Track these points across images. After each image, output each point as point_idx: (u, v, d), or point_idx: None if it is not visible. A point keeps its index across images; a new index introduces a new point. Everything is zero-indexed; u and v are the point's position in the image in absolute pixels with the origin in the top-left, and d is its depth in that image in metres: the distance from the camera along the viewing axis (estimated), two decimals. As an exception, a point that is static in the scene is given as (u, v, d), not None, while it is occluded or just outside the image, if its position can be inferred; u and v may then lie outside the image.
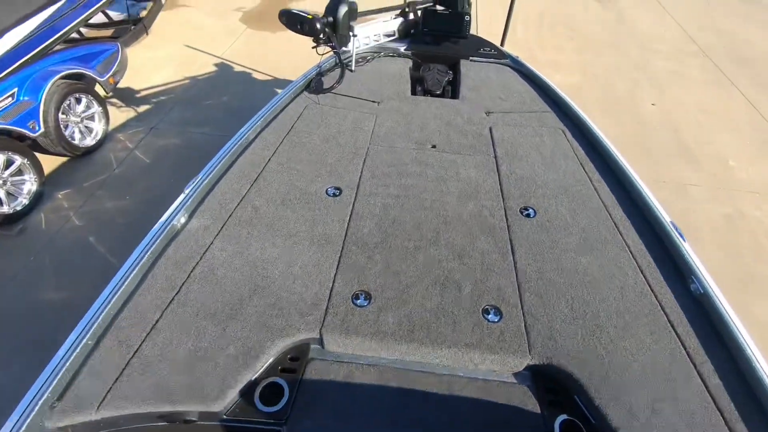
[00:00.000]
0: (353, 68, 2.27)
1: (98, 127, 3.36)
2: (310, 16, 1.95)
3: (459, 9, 2.56)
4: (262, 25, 5.27)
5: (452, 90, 2.28)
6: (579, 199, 1.61)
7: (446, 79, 2.27)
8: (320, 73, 2.21)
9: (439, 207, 1.55)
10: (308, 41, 2.08)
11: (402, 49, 2.46)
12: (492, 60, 2.43)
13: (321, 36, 2.03)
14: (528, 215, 1.54)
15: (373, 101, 2.09)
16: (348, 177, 1.66)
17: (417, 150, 1.81)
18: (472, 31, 2.54)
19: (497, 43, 2.71)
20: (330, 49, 2.11)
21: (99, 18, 4.27)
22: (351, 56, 2.24)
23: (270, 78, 4.31)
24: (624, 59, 4.87)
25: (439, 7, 2.57)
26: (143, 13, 4.69)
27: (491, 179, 1.69)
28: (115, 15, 4.68)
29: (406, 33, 2.49)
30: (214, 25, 5.21)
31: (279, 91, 4.06)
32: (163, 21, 5.18)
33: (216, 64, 4.50)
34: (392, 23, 2.44)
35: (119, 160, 3.30)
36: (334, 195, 1.58)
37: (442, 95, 2.25)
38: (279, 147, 1.79)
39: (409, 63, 2.40)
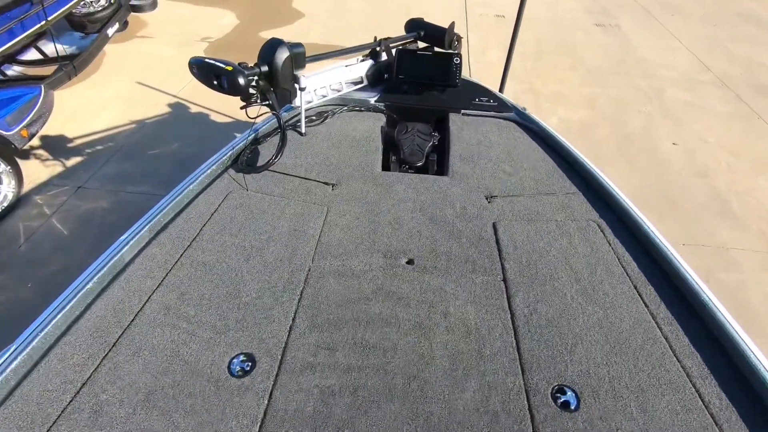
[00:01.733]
0: (303, 130, 1.68)
1: (6, 190, 2.72)
2: (229, 68, 1.36)
3: (446, 47, 1.99)
4: (229, 57, 4.71)
5: (438, 159, 1.68)
6: (646, 365, 0.99)
7: (430, 144, 1.67)
8: (255, 141, 1.61)
9: (417, 395, 0.92)
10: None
11: (372, 100, 1.87)
12: (491, 114, 1.84)
13: (251, 95, 1.43)
14: (566, 405, 0.91)
15: (327, 183, 1.48)
16: (269, 332, 1.03)
17: (385, 270, 1.19)
18: (464, 71, 1.97)
19: (495, 88, 2.14)
20: (268, 109, 1.52)
21: (33, 54, 3.69)
22: (299, 116, 1.65)
23: (230, 120, 3.72)
24: (633, 90, 4.34)
25: (420, 44, 1.99)
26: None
27: (500, 325, 1.07)
28: (62, 48, 4.11)
29: (377, 79, 1.91)
30: (174, 58, 4.65)
31: (236, 137, 3.49)
32: (115, 53, 4.62)
33: (170, 104, 3.91)
34: (359, 68, 1.85)
35: (29, 231, 2.65)
36: (241, 374, 0.95)
37: (424, 168, 1.64)
38: (168, 274, 1.16)
39: (382, 119, 1.81)
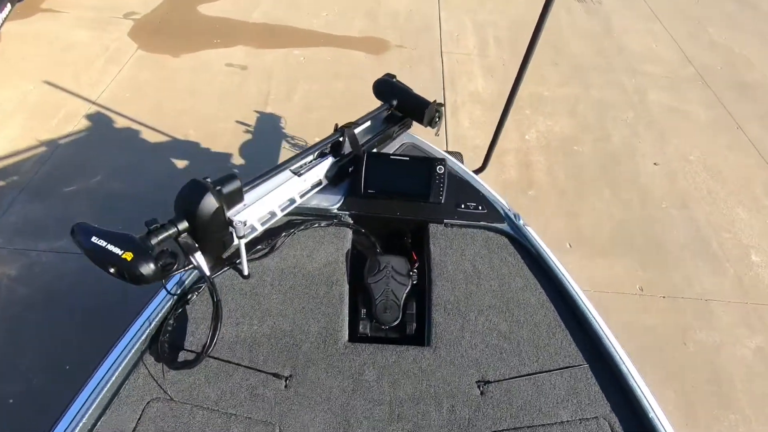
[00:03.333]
0: (246, 271, 1.30)
1: None
2: (128, 256, 0.94)
3: (424, 124, 1.60)
4: (160, 42, 3.95)
5: (418, 310, 1.35)
6: None
7: (407, 289, 1.34)
8: (179, 304, 1.22)
9: None
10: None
11: (334, 207, 1.48)
12: (479, 225, 1.52)
13: (168, 269, 1.04)
14: None
15: (278, 376, 1.15)
16: None
17: None
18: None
19: (475, 149, 1.79)
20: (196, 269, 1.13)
21: None
22: (241, 260, 1.27)
23: (167, 139, 3.15)
24: (616, 92, 4.04)
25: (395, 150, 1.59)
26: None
27: None
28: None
29: (340, 176, 1.52)
30: (90, 44, 3.84)
31: (177, 164, 2.95)
32: (13, 39, 3.75)
33: (88, 115, 3.25)
34: (316, 171, 1.44)
35: None
36: None
37: (401, 326, 1.32)
38: None
39: (347, 235, 1.45)
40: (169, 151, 3.05)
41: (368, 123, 1.61)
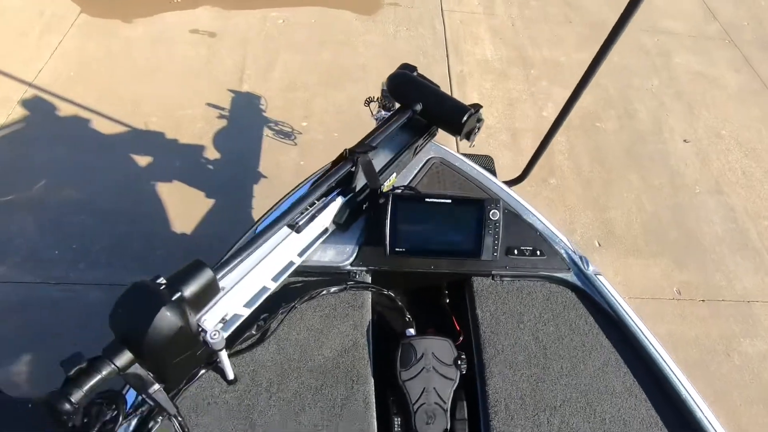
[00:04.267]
0: (231, 375, 0.92)
1: None
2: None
3: (459, 136, 1.20)
4: (107, 3, 3.29)
5: (470, 410, 1.00)
6: None
7: (454, 385, 0.98)
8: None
9: None
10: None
11: (346, 263, 1.09)
12: (537, 275, 1.15)
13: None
14: None
15: None
16: None
17: None
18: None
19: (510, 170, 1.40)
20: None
21: None
22: (222, 363, 0.89)
23: (124, 129, 2.63)
24: (638, 56, 3.60)
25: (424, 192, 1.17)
26: None
27: None
28: None
29: (353, 215, 1.11)
30: (21, 8, 3.17)
31: (139, 163, 2.45)
32: None
33: (26, 102, 2.68)
34: (320, 220, 1.03)
35: None
36: None
37: None
38: None
39: (366, 305, 1.07)
40: (128, 146, 2.54)
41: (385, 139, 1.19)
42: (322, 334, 1.02)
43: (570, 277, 1.16)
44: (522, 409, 0.97)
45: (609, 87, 3.33)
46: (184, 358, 0.76)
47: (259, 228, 1.07)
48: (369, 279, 1.12)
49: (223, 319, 0.85)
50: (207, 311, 0.81)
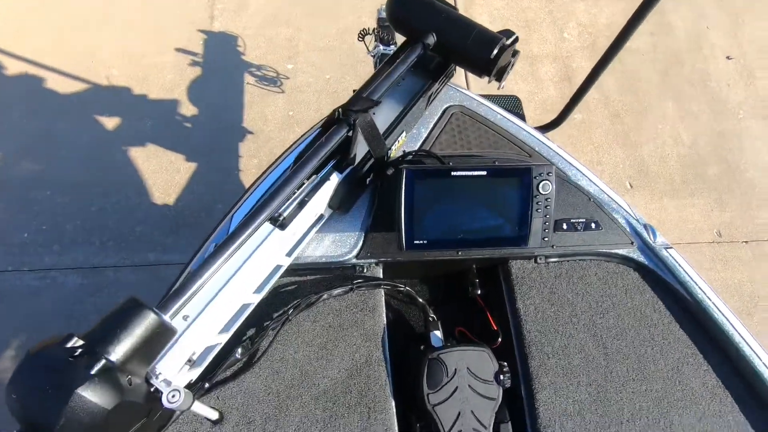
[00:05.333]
0: (215, 414, 0.73)
1: None
2: None
3: (490, 76, 0.91)
4: None
5: (516, 423, 0.81)
6: None
7: (495, 404, 0.78)
8: None
9: None
10: None
11: (350, 255, 0.85)
12: (592, 252, 0.91)
13: None
14: None
15: None
16: None
17: None
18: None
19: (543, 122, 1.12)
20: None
21: None
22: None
23: (83, 87, 2.27)
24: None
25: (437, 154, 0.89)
26: None
27: None
28: None
29: (353, 194, 0.85)
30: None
31: (106, 126, 2.13)
32: None
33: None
34: (313, 204, 0.77)
35: None
36: None
37: None
38: None
39: (379, 307, 0.85)
40: (90, 107, 2.21)
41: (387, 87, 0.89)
42: (326, 351, 0.81)
43: (633, 252, 0.92)
44: (581, 427, 0.78)
45: (640, -3, 2.86)
46: (136, 430, 0.55)
47: (233, 225, 0.82)
48: (380, 273, 0.88)
49: (189, 360, 0.63)
50: (160, 359, 0.58)
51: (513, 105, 1.54)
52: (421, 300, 0.88)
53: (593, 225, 0.92)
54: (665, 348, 0.86)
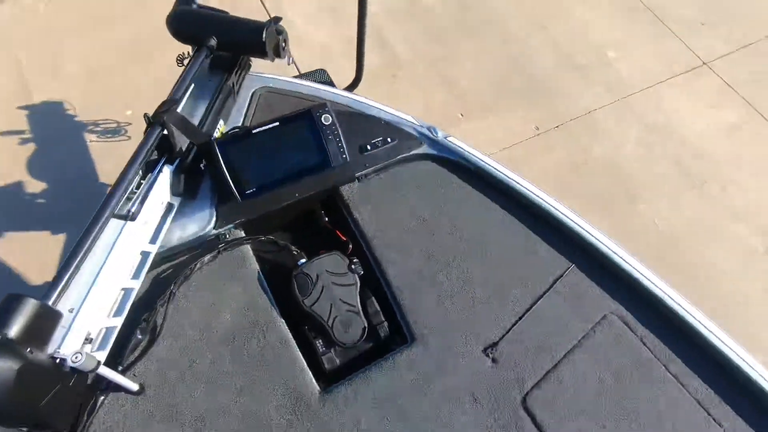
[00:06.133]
0: (134, 385, 0.87)
1: None
2: None
3: (268, 56, 1.13)
4: None
5: (380, 301, 1.05)
6: None
7: (356, 287, 1.01)
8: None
9: None
10: None
11: (210, 228, 1.02)
12: (396, 160, 1.19)
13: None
14: None
15: None
16: None
17: None
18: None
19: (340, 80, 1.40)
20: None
21: None
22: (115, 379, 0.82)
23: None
24: None
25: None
26: None
27: None
28: None
29: (194, 180, 1.03)
30: None
31: None
32: None
33: None
34: (155, 194, 0.93)
35: None
36: None
37: (375, 339, 1.02)
38: None
39: (248, 257, 1.03)
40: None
41: (191, 88, 1.08)
42: (215, 305, 0.99)
43: (425, 149, 1.22)
44: (422, 279, 1.05)
45: None
46: (53, 396, 0.69)
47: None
48: (242, 233, 1.08)
49: (87, 338, 0.77)
50: (62, 339, 0.72)
51: (320, 76, 1.80)
52: (282, 242, 1.09)
53: (389, 140, 1.20)
54: (466, 204, 1.16)
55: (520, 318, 1.03)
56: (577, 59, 2.95)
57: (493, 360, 0.98)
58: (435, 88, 2.74)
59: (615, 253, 1.09)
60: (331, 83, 1.77)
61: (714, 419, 0.94)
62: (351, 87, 1.68)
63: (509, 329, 1.01)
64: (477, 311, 1.03)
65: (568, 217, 1.12)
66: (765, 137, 2.69)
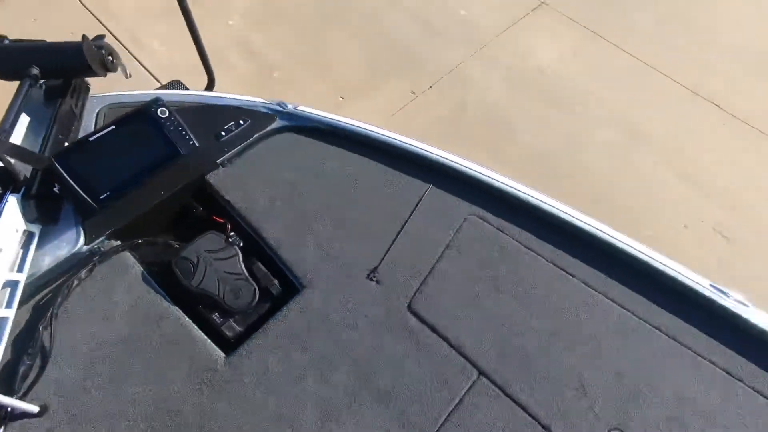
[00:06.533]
0: (35, 408, 0.88)
1: None
2: None
3: (99, 71, 1.16)
4: None
5: (267, 264, 1.13)
6: None
7: (238, 257, 1.08)
8: None
9: None
10: None
11: (82, 245, 1.04)
12: (254, 138, 1.27)
13: None
14: None
15: None
16: None
17: None
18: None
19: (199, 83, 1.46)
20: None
21: None
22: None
23: None
24: None
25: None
26: None
27: None
28: None
29: (50, 202, 1.04)
30: None
31: None
32: None
33: None
34: (6, 227, 0.93)
35: None
36: None
37: (266, 293, 1.10)
38: None
39: (128, 262, 1.06)
40: None
41: (23, 119, 1.08)
42: (104, 314, 1.01)
43: (280, 123, 1.31)
44: (299, 233, 1.14)
45: None
46: None
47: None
48: (116, 243, 1.11)
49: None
50: None
51: (175, 86, 1.84)
52: (160, 239, 1.13)
53: (242, 122, 1.27)
54: (329, 164, 1.27)
55: (394, 241, 1.15)
56: (435, 23, 3.18)
57: (377, 282, 1.09)
58: (313, 80, 2.85)
59: (465, 165, 1.24)
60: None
61: (566, 272, 1.11)
62: (207, 89, 1.73)
63: (386, 253, 1.13)
64: (354, 246, 1.14)
65: (417, 147, 1.27)
66: (608, 53, 3.07)
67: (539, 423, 0.92)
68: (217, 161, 1.22)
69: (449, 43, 3.07)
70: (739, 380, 0.94)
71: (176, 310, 1.03)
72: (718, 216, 2.39)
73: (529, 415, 0.93)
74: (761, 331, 0.98)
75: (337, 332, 1.02)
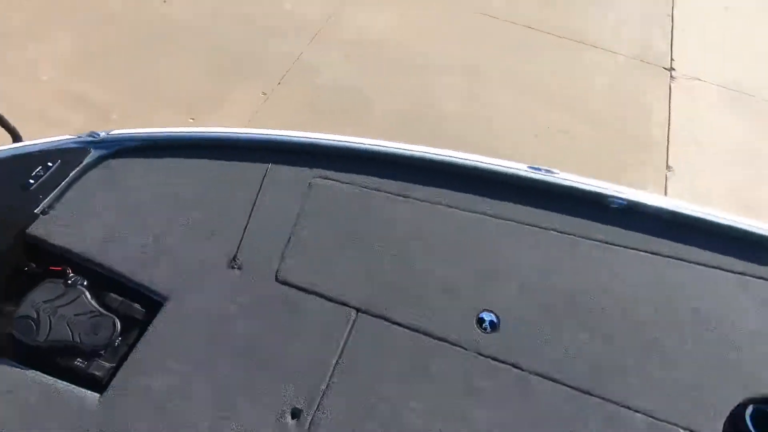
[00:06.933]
0: None
1: None
2: None
3: None
4: None
5: (113, 287, 1.07)
6: None
7: (83, 294, 1.01)
8: None
9: None
10: None
11: None
12: (70, 175, 1.19)
13: None
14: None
15: None
16: None
17: None
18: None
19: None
20: None
21: None
22: None
23: None
24: None
25: None
26: None
27: None
28: None
29: None
30: None
31: None
32: None
33: None
34: None
35: None
36: None
37: (134, 319, 1.04)
38: None
39: None
40: None
41: None
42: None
43: (95, 154, 1.24)
44: (144, 250, 1.10)
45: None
46: None
47: None
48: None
49: None
50: None
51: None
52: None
53: (50, 164, 1.19)
54: (155, 171, 1.24)
55: (246, 225, 1.16)
56: (264, 22, 3.18)
57: (239, 268, 1.10)
58: (156, 109, 2.70)
59: (296, 136, 1.29)
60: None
61: (413, 198, 1.21)
62: (15, 140, 1.58)
63: (241, 239, 1.14)
64: (208, 244, 1.13)
65: (242, 134, 1.29)
66: (431, 12, 3.31)
67: (420, 332, 1.00)
68: (36, 211, 1.13)
69: (284, 38, 3.10)
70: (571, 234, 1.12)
71: (33, 374, 0.95)
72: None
73: (410, 329, 1.01)
74: (570, 188, 1.17)
75: (212, 328, 1.02)
